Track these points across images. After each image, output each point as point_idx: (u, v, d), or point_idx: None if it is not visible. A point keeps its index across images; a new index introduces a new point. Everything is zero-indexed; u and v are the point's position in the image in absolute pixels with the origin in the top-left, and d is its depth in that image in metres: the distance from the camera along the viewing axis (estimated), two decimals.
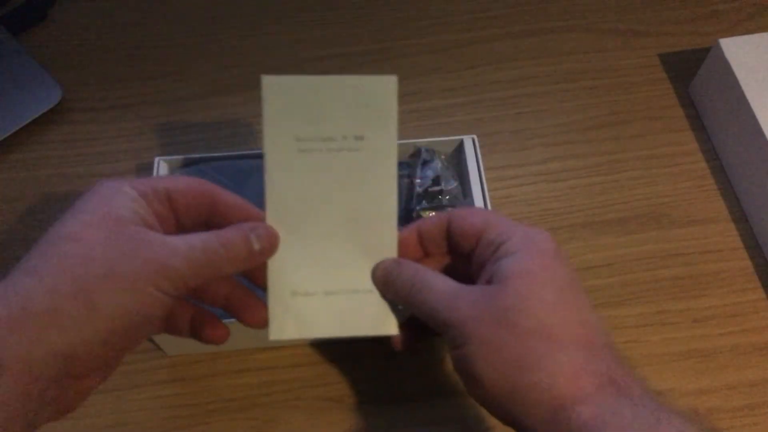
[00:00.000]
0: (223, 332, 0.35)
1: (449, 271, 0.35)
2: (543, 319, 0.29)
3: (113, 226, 0.29)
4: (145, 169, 0.57)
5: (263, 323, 0.36)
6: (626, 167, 0.58)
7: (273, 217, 0.35)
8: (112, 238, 0.29)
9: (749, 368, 0.49)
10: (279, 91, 0.34)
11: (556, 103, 0.62)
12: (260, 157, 0.51)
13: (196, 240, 0.31)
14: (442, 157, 0.52)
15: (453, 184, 0.51)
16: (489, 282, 0.32)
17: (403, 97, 0.61)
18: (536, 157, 0.59)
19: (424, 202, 0.50)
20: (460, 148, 0.53)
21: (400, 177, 0.51)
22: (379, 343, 0.49)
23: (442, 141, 0.52)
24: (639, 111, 0.62)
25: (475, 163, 0.51)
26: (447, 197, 0.51)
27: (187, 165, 0.52)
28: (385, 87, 0.35)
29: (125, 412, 0.47)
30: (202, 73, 0.64)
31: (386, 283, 0.35)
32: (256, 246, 0.33)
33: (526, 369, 0.28)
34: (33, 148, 0.59)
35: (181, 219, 0.33)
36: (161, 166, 0.50)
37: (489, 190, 0.50)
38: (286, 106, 0.34)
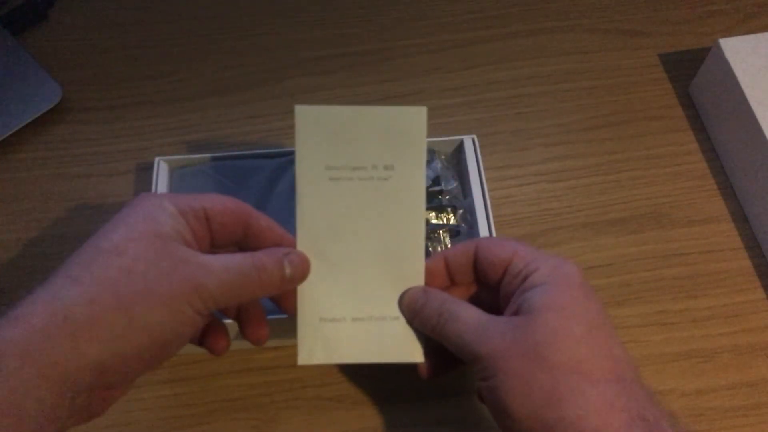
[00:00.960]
0: (226, 343, 0.36)
1: (476, 301, 0.35)
2: (573, 353, 0.29)
3: (155, 243, 0.30)
4: (145, 169, 0.57)
5: (263, 341, 0.37)
6: (626, 167, 0.58)
7: (303, 243, 0.36)
8: (153, 255, 0.29)
9: (749, 368, 0.49)
10: (311, 121, 0.35)
11: (556, 103, 0.62)
12: (260, 157, 0.52)
13: (232, 262, 0.31)
14: (442, 157, 0.52)
15: (453, 184, 0.51)
16: (516, 313, 0.32)
17: (404, 97, 0.62)
18: (536, 157, 0.59)
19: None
20: (460, 148, 0.53)
21: None
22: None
23: (442, 141, 0.52)
24: (639, 111, 0.62)
25: (475, 163, 0.51)
26: (447, 197, 0.51)
27: (187, 165, 0.52)
28: (415, 118, 0.36)
29: (125, 412, 0.47)
30: (202, 73, 0.64)
31: (413, 311, 0.36)
32: (288, 271, 0.33)
33: (556, 404, 0.28)
34: (33, 148, 0.59)
35: (216, 237, 0.34)
36: (161, 166, 0.50)
37: (489, 190, 0.50)
38: (318, 135, 0.35)
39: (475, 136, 0.52)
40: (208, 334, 0.36)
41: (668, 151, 0.59)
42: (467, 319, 0.33)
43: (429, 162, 0.51)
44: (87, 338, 0.27)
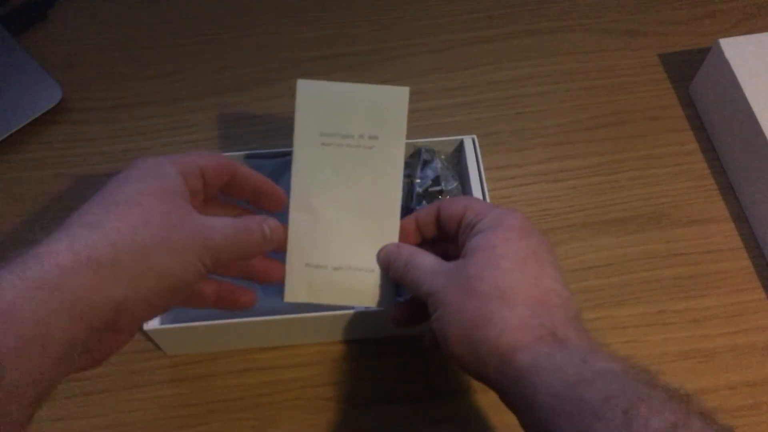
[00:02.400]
0: (251, 296, 0.40)
1: (444, 254, 0.39)
2: (498, 283, 0.33)
3: (165, 197, 0.33)
4: None
5: (250, 304, 0.40)
6: (626, 167, 0.58)
7: (296, 198, 0.41)
8: (166, 208, 0.32)
9: (749, 368, 0.49)
10: (310, 93, 0.41)
11: (556, 103, 0.62)
12: (260, 157, 0.52)
13: (229, 222, 0.35)
14: (442, 157, 0.52)
15: (453, 184, 0.51)
16: (463, 257, 0.36)
17: None
18: (536, 157, 0.59)
19: (424, 201, 0.50)
20: (460, 148, 0.53)
21: None
22: (380, 342, 0.50)
23: (442, 141, 0.52)
24: (639, 111, 0.62)
25: (475, 163, 0.51)
26: (447, 197, 0.51)
27: None
28: (398, 96, 0.41)
29: (125, 412, 0.47)
30: (202, 73, 0.64)
31: (387, 263, 0.40)
32: (268, 232, 0.37)
33: (480, 325, 0.33)
34: (33, 148, 0.59)
35: (208, 190, 0.38)
36: None
37: (489, 190, 0.50)
38: (315, 106, 0.41)
39: (475, 136, 0.52)
40: (230, 294, 0.39)
41: (668, 151, 0.59)
42: (424, 265, 0.37)
43: (429, 162, 0.51)
44: (109, 278, 0.29)
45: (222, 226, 0.34)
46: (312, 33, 0.67)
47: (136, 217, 0.31)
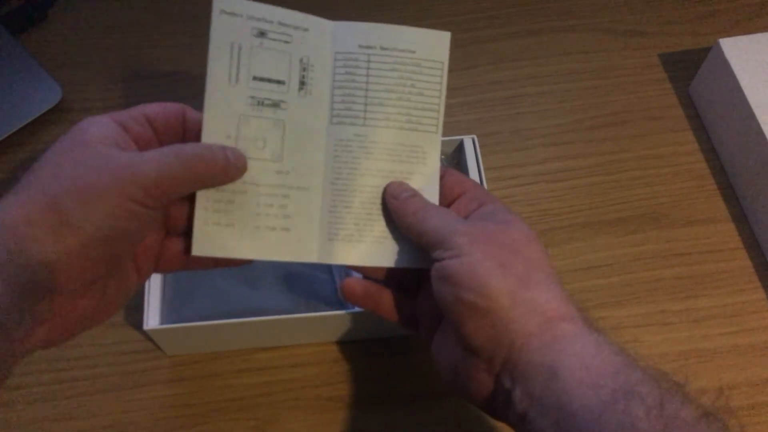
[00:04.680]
0: None
1: None
2: (540, 259, 0.34)
3: (81, 148, 0.31)
4: None
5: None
6: (626, 167, 0.58)
7: (208, 133, 0.36)
8: (80, 157, 0.31)
9: (749, 368, 0.49)
10: (230, 17, 0.36)
11: (556, 103, 0.62)
12: None
13: (170, 150, 0.32)
14: (442, 157, 0.52)
15: None
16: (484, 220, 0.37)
17: None
18: (536, 157, 0.59)
19: None
20: (460, 148, 0.53)
21: None
22: (381, 343, 0.49)
23: (442, 141, 0.52)
24: (639, 111, 0.62)
25: (475, 163, 0.51)
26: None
27: None
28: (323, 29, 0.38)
29: (125, 412, 0.47)
30: (201, 74, 0.64)
31: (391, 193, 0.39)
32: (232, 157, 0.34)
33: (529, 287, 0.33)
34: (33, 148, 0.59)
35: (162, 140, 0.35)
36: None
37: (489, 190, 0.50)
38: (235, 39, 0.36)
39: (475, 136, 0.52)
40: None
41: (668, 151, 0.59)
42: (437, 207, 0.38)
43: None
44: (28, 239, 0.28)
45: (159, 158, 0.31)
46: None
47: (46, 174, 0.30)
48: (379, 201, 0.39)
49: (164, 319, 0.46)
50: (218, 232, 0.36)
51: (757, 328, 0.51)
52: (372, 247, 0.39)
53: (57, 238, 0.29)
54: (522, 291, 0.32)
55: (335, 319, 0.46)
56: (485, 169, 0.51)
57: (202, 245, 0.36)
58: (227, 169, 0.35)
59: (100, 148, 0.31)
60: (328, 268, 0.49)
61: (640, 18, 0.68)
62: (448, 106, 0.62)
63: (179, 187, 0.33)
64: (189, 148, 0.33)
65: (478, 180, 0.50)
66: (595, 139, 0.60)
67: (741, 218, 0.56)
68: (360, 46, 0.39)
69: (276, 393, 0.48)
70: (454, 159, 0.53)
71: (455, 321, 0.33)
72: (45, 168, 0.31)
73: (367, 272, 0.40)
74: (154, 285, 0.46)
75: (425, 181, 0.39)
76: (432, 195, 0.39)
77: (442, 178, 0.39)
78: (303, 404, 0.47)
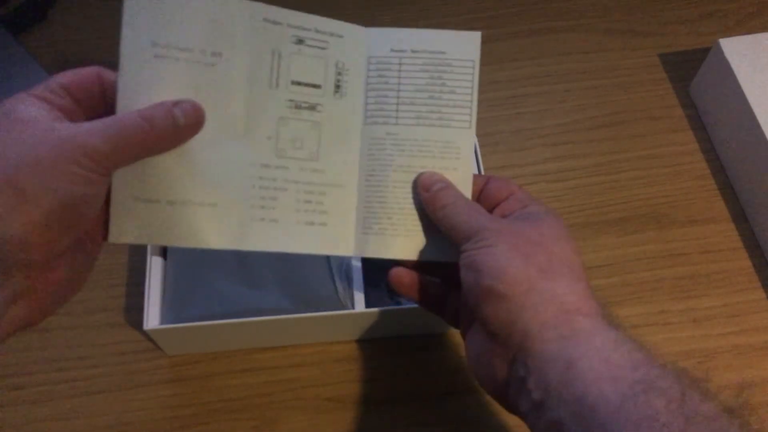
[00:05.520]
0: None
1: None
2: (566, 252, 0.35)
3: (20, 126, 0.31)
4: None
5: None
6: (626, 167, 0.58)
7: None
8: (20, 136, 0.31)
9: (749, 368, 0.49)
10: None
11: (556, 103, 0.62)
12: None
13: (113, 119, 0.32)
14: None
15: None
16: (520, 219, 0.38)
17: None
18: (536, 157, 0.59)
19: None
20: None
21: None
22: (381, 342, 0.49)
23: None
24: (639, 111, 0.62)
25: (475, 163, 0.51)
26: None
27: None
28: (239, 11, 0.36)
29: (125, 412, 0.47)
30: None
31: (423, 184, 0.39)
32: (181, 120, 0.33)
33: (550, 278, 0.33)
34: None
35: (86, 109, 0.34)
36: None
37: None
38: (147, 9, 0.34)
39: (475, 136, 0.52)
40: None
41: (668, 151, 0.59)
42: (468, 201, 0.38)
43: None
44: None
45: (102, 125, 0.31)
46: None
47: None
48: (411, 195, 0.40)
49: (164, 319, 0.46)
50: (263, 228, 0.37)
51: (757, 328, 0.51)
52: (405, 241, 0.39)
53: (17, 213, 0.29)
54: (540, 280, 0.33)
55: (335, 319, 0.46)
56: (485, 169, 0.51)
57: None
58: (177, 135, 0.34)
59: (36, 123, 0.31)
60: (329, 268, 0.49)
61: (640, 18, 0.68)
62: None
63: (130, 154, 0.33)
64: (133, 116, 0.32)
65: None
66: (595, 139, 0.60)
67: (741, 218, 0.56)
68: (392, 50, 0.40)
69: (276, 393, 0.48)
70: None
71: (474, 305, 0.34)
72: None
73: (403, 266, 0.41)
74: (154, 285, 0.46)
75: (458, 174, 0.40)
76: (465, 188, 0.40)
77: (487, 183, 0.40)
78: (303, 404, 0.47)
